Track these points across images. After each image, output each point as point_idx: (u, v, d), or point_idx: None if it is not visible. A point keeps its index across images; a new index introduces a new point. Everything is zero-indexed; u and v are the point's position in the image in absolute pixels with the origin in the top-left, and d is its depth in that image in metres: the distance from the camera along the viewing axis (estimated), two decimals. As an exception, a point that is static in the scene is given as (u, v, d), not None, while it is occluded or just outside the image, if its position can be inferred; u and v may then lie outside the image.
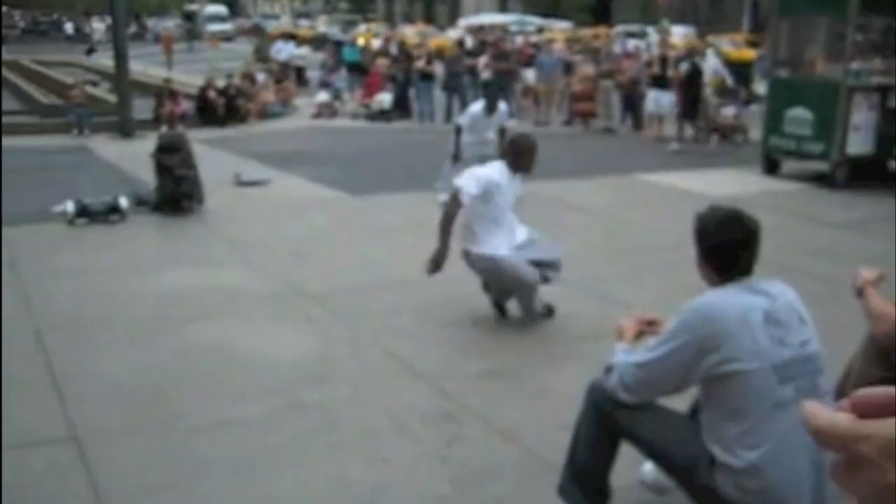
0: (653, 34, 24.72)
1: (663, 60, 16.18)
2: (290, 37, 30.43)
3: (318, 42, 31.68)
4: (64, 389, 5.03)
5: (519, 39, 23.51)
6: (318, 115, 19.64)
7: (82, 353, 5.60)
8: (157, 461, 4.23)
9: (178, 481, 4.03)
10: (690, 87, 14.85)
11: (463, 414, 4.74)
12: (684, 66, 14.95)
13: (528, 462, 4.19)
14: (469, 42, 21.39)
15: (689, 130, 15.11)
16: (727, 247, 3.19)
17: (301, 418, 4.69)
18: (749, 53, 22.63)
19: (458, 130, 10.22)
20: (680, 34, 28.58)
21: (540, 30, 33.65)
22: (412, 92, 19.56)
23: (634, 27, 29.29)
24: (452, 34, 32.42)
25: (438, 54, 21.08)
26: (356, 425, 4.58)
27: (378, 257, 7.88)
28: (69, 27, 59.39)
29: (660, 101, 15.68)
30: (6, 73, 28.03)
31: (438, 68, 19.65)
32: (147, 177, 10.38)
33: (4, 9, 59.44)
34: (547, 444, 4.25)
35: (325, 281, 7.07)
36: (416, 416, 4.67)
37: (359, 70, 21.90)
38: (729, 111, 15.70)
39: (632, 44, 21.65)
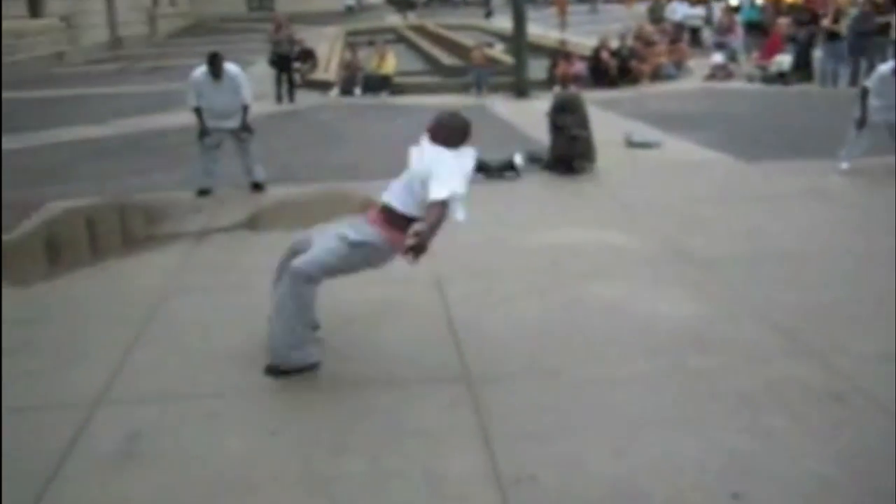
0: None
1: None
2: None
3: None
4: (460, 333, 5.41)
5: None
6: (711, 77, 19.19)
7: (478, 300, 5.98)
8: (543, 409, 4.41)
9: (559, 432, 4.17)
10: None
11: (854, 395, 4.49)
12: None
13: (928, 456, 3.89)
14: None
15: None
16: None
17: (684, 382, 4.69)
18: None
19: (865, 94, 9.61)
20: None
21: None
22: (816, 52, 18.50)
23: None
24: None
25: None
26: (738, 395, 4.50)
27: (765, 226, 7.62)
28: None
29: None
30: (414, 36, 30.29)
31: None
32: (539, 135, 10.79)
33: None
34: (952, 438, 3.94)
35: (710, 247, 6.99)
36: (801, 392, 4.51)
37: (757, 30, 21.07)
38: None
39: None
